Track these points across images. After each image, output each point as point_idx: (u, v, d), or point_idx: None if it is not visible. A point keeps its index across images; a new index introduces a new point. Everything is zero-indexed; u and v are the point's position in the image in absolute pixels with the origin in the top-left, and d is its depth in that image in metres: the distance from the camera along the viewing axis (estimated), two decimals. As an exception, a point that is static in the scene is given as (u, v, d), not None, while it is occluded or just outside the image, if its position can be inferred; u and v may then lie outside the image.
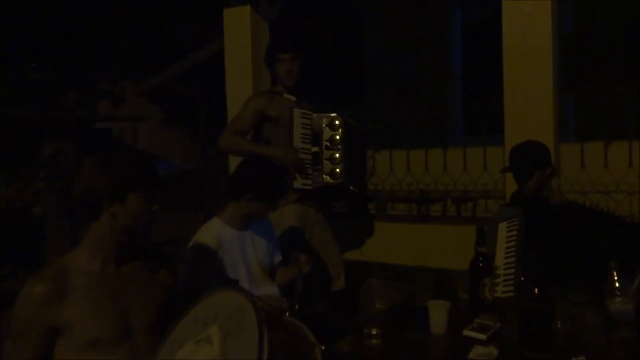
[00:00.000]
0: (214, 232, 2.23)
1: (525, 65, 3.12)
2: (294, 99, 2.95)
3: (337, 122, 2.96)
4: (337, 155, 2.95)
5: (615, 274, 1.77)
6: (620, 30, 4.69)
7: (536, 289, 1.65)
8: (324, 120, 2.97)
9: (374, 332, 1.83)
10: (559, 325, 1.70)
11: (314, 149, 2.93)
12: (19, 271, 5.96)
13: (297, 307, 2.03)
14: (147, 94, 9.20)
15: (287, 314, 1.49)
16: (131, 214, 1.52)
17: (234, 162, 3.19)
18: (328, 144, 2.96)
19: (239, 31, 4.05)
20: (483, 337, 1.75)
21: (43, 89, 11.38)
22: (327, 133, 2.96)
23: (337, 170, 2.95)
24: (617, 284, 1.76)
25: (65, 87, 11.88)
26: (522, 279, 2.00)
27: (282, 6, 4.70)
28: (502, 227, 2.26)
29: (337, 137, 2.96)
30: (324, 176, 2.94)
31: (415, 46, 5.88)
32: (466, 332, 1.79)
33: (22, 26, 8.91)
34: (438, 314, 1.87)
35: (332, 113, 3.00)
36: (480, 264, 2.02)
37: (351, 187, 3.12)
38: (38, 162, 6.43)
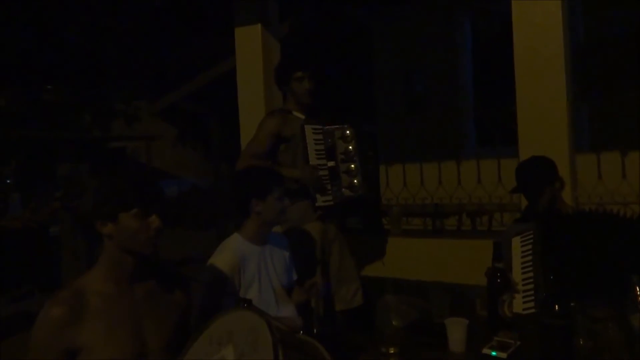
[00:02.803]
0: (236, 248, 2.23)
1: (538, 75, 3.10)
2: (302, 116, 2.94)
3: (348, 133, 2.93)
4: (353, 166, 2.92)
5: (638, 288, 1.73)
6: (632, 39, 4.65)
7: (556, 305, 1.62)
8: (336, 133, 2.95)
9: (391, 350, 1.81)
10: (581, 342, 1.66)
11: (330, 163, 2.90)
12: (36, 292, 6.00)
13: (315, 330, 2.01)
14: (160, 113, 9.30)
15: (302, 332, 1.47)
16: (125, 234, 1.50)
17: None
18: (343, 156, 2.93)
19: (251, 49, 4.09)
20: (503, 355, 1.71)
21: (58, 110, 11.56)
22: (340, 146, 2.94)
23: (355, 182, 2.91)
24: (640, 299, 1.72)
25: (80, 108, 12.07)
26: (544, 294, 1.96)
27: (291, 24, 4.74)
28: (516, 241, 2.23)
29: (351, 147, 2.93)
30: (343, 190, 2.91)
31: (426, 59, 5.89)
32: (486, 351, 1.76)
33: (37, 48, 9.08)
34: (456, 332, 1.85)
35: (342, 125, 2.97)
36: (498, 280, 1.99)
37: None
38: (54, 183, 6.51)
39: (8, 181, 9.65)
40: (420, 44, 5.84)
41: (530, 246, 2.15)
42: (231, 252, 2.21)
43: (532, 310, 2.00)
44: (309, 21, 5.60)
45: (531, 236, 2.17)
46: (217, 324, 1.40)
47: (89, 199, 1.53)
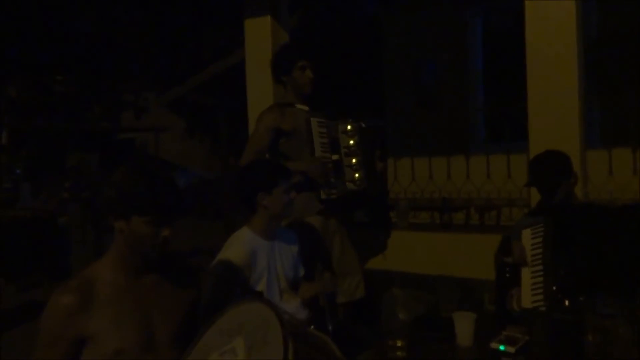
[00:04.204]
0: (246, 242, 2.23)
1: (550, 71, 3.07)
2: (306, 108, 2.93)
3: (349, 128, 2.94)
4: (355, 161, 2.93)
5: (648, 285, 1.72)
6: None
7: (566, 301, 1.61)
8: (339, 127, 2.95)
9: (398, 344, 1.82)
10: (590, 338, 1.66)
11: (334, 157, 2.90)
12: (45, 281, 6.05)
13: (330, 329, 2.01)
14: (169, 104, 9.32)
15: (313, 326, 1.48)
16: (134, 235, 1.49)
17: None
18: (346, 150, 2.94)
19: (260, 41, 4.07)
20: (511, 349, 1.71)
21: (68, 101, 11.62)
22: (344, 140, 2.94)
23: (357, 176, 2.92)
24: (650, 295, 1.71)
25: (90, 99, 12.13)
26: (554, 288, 1.95)
27: (301, 16, 4.73)
28: (526, 234, 2.21)
29: (352, 142, 2.94)
30: (346, 183, 2.92)
31: (436, 54, 5.85)
32: (494, 345, 1.76)
33: (47, 40, 9.12)
34: (464, 325, 1.84)
35: (346, 119, 2.98)
36: (507, 275, 1.98)
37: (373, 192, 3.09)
38: (63, 173, 6.55)
39: (18, 171, 9.73)
40: (430, 38, 5.80)
41: (540, 239, 2.14)
42: (241, 246, 2.21)
43: (541, 304, 1.99)
44: (319, 14, 5.58)
45: (542, 229, 2.16)
46: (228, 316, 1.40)
47: (109, 190, 1.52)
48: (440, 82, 5.93)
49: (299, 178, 2.71)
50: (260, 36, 4.08)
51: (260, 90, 4.07)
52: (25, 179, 9.21)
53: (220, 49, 6.85)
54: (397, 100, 6.12)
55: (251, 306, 1.37)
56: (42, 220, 6.75)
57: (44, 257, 6.33)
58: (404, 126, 5.74)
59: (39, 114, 11.17)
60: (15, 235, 6.19)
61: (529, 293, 2.06)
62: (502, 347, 1.73)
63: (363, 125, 3.01)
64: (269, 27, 4.03)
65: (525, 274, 2.11)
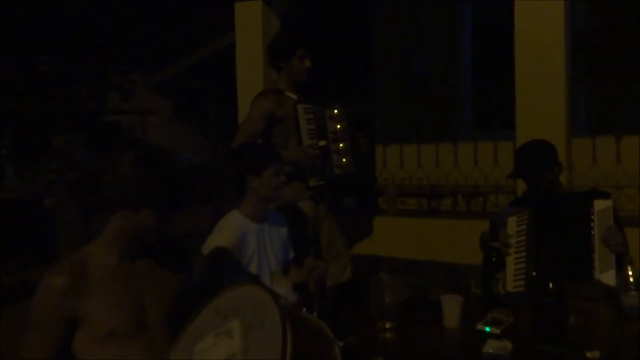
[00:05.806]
0: (236, 225, 2.24)
1: (537, 59, 3.11)
2: (295, 97, 2.94)
3: (336, 112, 2.95)
4: (342, 145, 2.95)
5: (629, 268, 1.78)
6: (632, 25, 4.65)
7: (550, 284, 1.66)
8: (326, 112, 2.96)
9: (387, 325, 1.86)
10: (573, 320, 1.71)
11: (322, 143, 2.92)
12: (31, 263, 6.03)
13: (315, 313, 2.03)
14: (156, 87, 9.21)
15: (304, 309, 1.50)
16: (140, 225, 1.52)
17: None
18: (333, 135, 2.96)
19: (251, 25, 4.05)
20: (497, 331, 1.76)
21: (54, 81, 11.43)
22: (331, 125, 2.96)
23: (344, 160, 2.95)
24: (631, 279, 1.77)
25: (76, 80, 11.93)
26: (534, 273, 2.00)
27: (292, 1, 4.70)
28: (512, 221, 2.26)
29: (339, 127, 2.95)
30: (334, 169, 2.94)
31: (426, 40, 5.86)
32: (480, 326, 1.81)
33: (33, 19, 8.95)
34: (451, 308, 1.89)
35: (332, 104, 2.99)
36: (493, 259, 2.03)
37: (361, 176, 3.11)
38: (49, 155, 6.47)
39: (2, 152, 9.58)
40: (420, 26, 5.81)
41: (525, 226, 2.19)
42: (231, 229, 2.23)
43: (522, 289, 2.04)
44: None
45: (526, 217, 2.20)
46: (223, 297, 1.40)
47: (119, 181, 1.49)
48: (429, 69, 5.96)
49: (290, 169, 2.73)
50: (251, 20, 4.06)
51: (250, 74, 4.06)
52: (9, 161, 9.08)
53: (210, 31, 6.76)
54: (387, 88, 6.14)
55: (247, 289, 1.38)
56: (27, 202, 6.70)
57: (29, 240, 6.30)
58: (393, 113, 5.76)
59: (23, 95, 10.98)
60: (0, 217, 6.14)
61: (511, 278, 2.12)
62: (487, 329, 1.78)
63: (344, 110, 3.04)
64: (260, 11, 4.01)
65: (510, 260, 2.16)
